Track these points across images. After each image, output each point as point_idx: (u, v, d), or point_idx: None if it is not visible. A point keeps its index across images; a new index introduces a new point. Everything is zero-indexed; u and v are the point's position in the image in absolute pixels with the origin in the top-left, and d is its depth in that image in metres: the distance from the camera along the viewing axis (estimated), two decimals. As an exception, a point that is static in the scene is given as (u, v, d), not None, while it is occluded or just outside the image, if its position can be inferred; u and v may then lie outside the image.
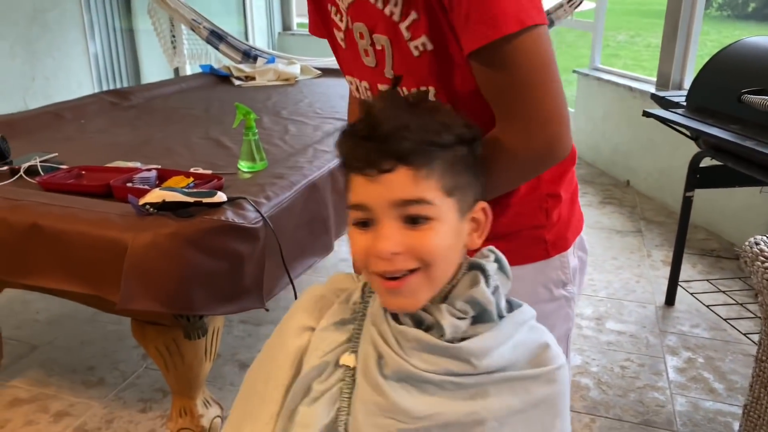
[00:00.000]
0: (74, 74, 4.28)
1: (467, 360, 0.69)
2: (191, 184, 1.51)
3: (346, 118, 1.47)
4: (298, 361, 0.78)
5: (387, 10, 0.85)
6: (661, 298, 2.67)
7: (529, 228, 0.96)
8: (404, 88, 0.88)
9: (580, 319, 2.52)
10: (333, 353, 0.76)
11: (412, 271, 0.70)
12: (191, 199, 1.31)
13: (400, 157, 0.67)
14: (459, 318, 0.71)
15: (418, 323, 0.72)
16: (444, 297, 0.73)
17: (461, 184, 0.72)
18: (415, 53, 0.85)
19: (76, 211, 1.37)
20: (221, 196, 1.38)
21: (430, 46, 0.84)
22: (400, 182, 0.67)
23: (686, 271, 2.80)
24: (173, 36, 4.56)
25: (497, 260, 0.76)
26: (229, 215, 1.34)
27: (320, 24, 1.01)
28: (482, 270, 0.73)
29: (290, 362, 0.78)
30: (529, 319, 0.76)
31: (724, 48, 2.43)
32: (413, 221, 0.69)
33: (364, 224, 0.70)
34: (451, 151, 0.71)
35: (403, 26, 0.84)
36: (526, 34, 0.76)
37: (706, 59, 2.46)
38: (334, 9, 0.94)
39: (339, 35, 0.96)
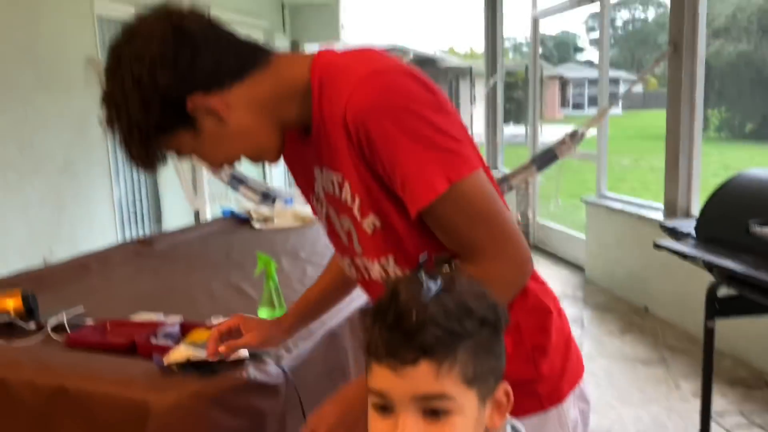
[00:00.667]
0: (99, 219, 4.45)
1: None
2: (214, 338, 1.53)
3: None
4: None
5: (342, 197, 0.98)
6: (695, 433, 2.56)
7: (521, 383, 0.92)
8: (368, 258, 1.02)
9: (611, 460, 2.41)
10: None
11: None
12: (215, 359, 1.33)
13: (424, 350, 0.67)
14: None
15: None
16: None
17: (483, 372, 0.71)
18: (369, 231, 0.98)
19: (102, 372, 1.39)
20: (243, 352, 1.39)
21: (378, 223, 0.96)
22: (422, 377, 0.67)
23: (716, 401, 2.70)
24: (194, 179, 4.79)
25: (513, 428, 0.77)
26: (251, 372, 1.35)
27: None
28: None
29: None
30: None
31: (728, 180, 2.51)
32: (433, 413, 0.69)
33: (383, 408, 0.71)
34: (475, 337, 0.70)
35: (354, 209, 0.97)
36: (458, 186, 0.88)
37: (711, 179, 2.53)
38: (315, 199, 1.10)
39: (321, 221, 1.12)
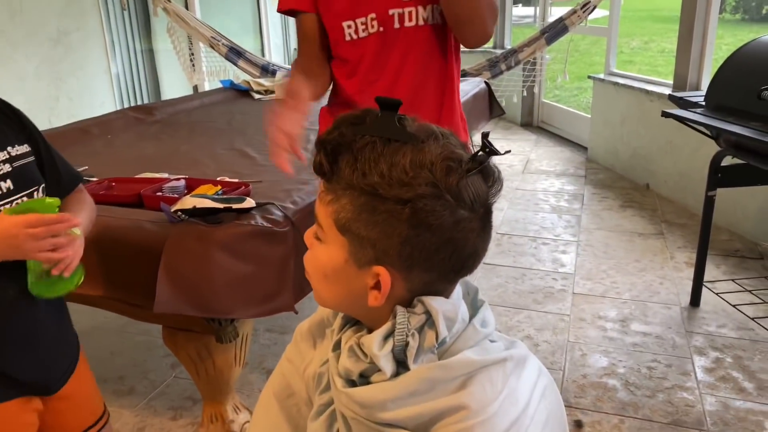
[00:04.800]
0: (97, 94, 4.37)
1: (361, 405, 0.68)
2: (220, 192, 1.54)
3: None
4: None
5: None
6: (686, 299, 2.65)
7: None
8: (420, 7, 1.26)
9: (604, 321, 2.51)
10: (326, 366, 0.77)
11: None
12: (221, 206, 1.34)
13: (322, 173, 0.67)
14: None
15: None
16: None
17: (360, 232, 0.65)
18: None
19: (110, 220, 1.41)
20: (250, 202, 1.41)
21: None
22: (322, 194, 0.68)
23: (710, 271, 2.78)
24: (192, 54, 4.65)
25: (426, 312, 0.67)
26: (259, 220, 1.37)
27: None
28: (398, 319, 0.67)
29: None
30: (448, 379, 0.66)
31: (742, 46, 2.43)
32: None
33: None
34: (364, 194, 0.64)
35: None
36: None
37: (722, 62, 2.46)
38: None
39: None
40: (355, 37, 1.31)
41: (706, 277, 2.62)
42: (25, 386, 1.07)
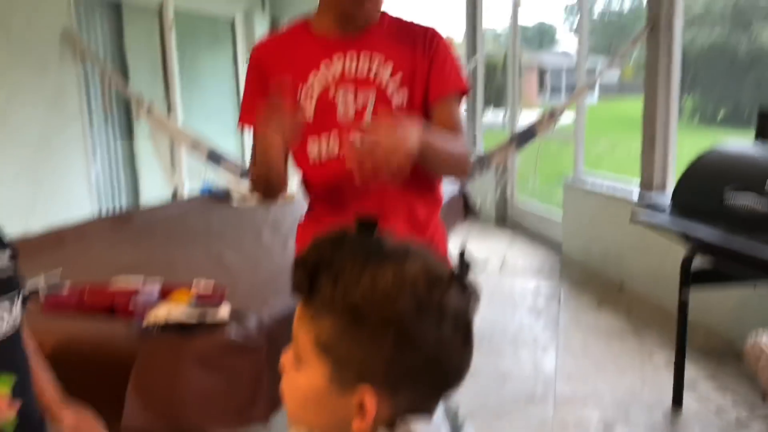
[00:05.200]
0: (75, 196, 4.38)
1: None
2: (195, 299, 1.52)
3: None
4: None
5: (376, 75, 1.30)
6: (668, 400, 2.62)
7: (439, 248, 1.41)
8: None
9: (588, 426, 2.46)
10: None
11: None
12: (194, 321, 1.33)
13: (305, 293, 0.66)
14: None
15: None
16: None
17: (341, 352, 0.64)
18: (396, 103, 1.32)
19: (81, 334, 1.38)
20: (225, 311, 1.39)
21: (406, 98, 1.32)
22: (300, 312, 0.68)
23: (690, 371, 2.76)
24: (173, 156, 4.74)
25: None
26: (233, 332, 1.35)
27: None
28: None
29: None
30: None
31: (703, 153, 2.56)
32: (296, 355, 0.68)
33: None
34: (341, 315, 0.63)
35: (390, 84, 1.31)
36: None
37: (685, 162, 2.58)
38: (304, 91, 1.32)
39: (306, 111, 1.31)
40: (324, 158, 1.32)
41: (687, 377, 2.61)
42: None
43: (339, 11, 1.31)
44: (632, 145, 4.40)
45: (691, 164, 2.55)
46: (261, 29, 6.56)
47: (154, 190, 5.01)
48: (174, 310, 1.34)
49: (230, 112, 6.52)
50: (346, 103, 1.31)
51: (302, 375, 0.67)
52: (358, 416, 0.65)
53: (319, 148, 1.33)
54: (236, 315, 1.44)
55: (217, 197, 3.47)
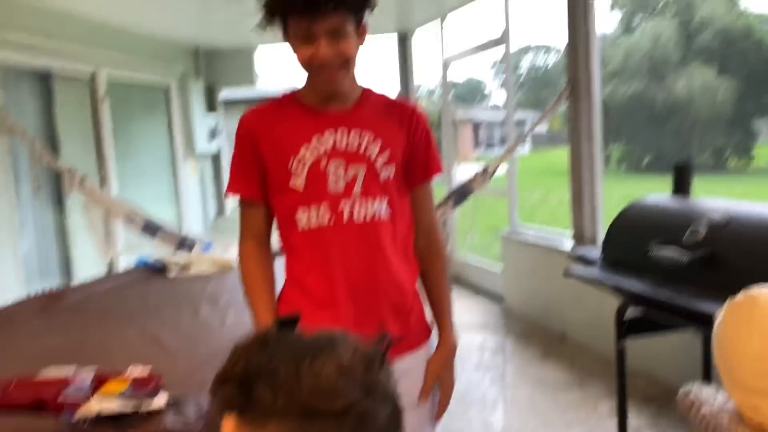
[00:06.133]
0: (2, 276, 4.18)
1: None
2: (129, 389, 1.47)
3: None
4: None
5: (366, 150, 1.39)
6: (614, 452, 2.65)
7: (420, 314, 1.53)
8: (365, 198, 1.39)
9: (538, 485, 2.46)
10: None
11: None
12: (129, 411, 1.28)
13: (239, 408, 0.65)
14: None
15: None
16: None
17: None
18: (383, 177, 1.41)
19: (5, 432, 1.31)
20: (161, 399, 1.35)
21: (392, 174, 1.41)
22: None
23: (633, 419, 2.82)
24: (106, 228, 4.61)
25: None
26: (170, 420, 1.31)
27: (253, 186, 1.43)
28: None
29: None
30: None
31: (626, 208, 2.68)
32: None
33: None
34: (311, 418, 0.64)
35: (379, 159, 1.40)
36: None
37: (615, 209, 2.70)
38: (297, 163, 1.38)
39: (296, 181, 1.38)
40: (314, 227, 1.39)
41: (630, 425, 2.66)
42: None
43: (317, 91, 1.40)
44: (564, 193, 4.58)
45: (616, 219, 2.67)
46: (196, 96, 6.59)
47: (87, 266, 4.84)
48: (107, 403, 1.29)
49: (166, 179, 6.44)
50: (336, 175, 1.38)
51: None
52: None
53: (308, 217, 1.39)
54: (174, 401, 1.40)
55: (154, 269, 3.39)
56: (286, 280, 1.46)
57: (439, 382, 1.51)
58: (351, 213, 1.38)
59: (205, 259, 3.33)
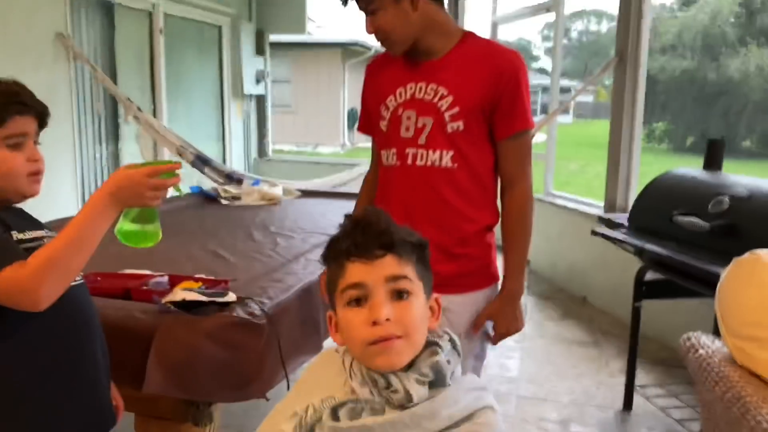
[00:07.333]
0: (62, 196, 4.47)
1: (419, 423, 0.90)
2: (202, 287, 1.70)
3: (327, 232, 1.96)
4: None
5: (437, 102, 1.52)
6: (620, 403, 2.86)
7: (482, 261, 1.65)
8: (429, 149, 1.54)
9: (546, 423, 2.68)
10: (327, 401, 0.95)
11: (398, 337, 0.92)
12: (207, 299, 1.51)
13: (388, 247, 0.95)
14: (421, 382, 0.92)
15: (387, 385, 0.92)
16: (409, 365, 0.94)
17: (425, 275, 1.00)
18: (449, 130, 1.52)
19: (102, 310, 1.55)
20: (232, 296, 1.58)
21: (462, 128, 1.52)
22: (389, 264, 0.94)
23: (641, 378, 3.01)
24: (157, 159, 4.87)
25: (451, 340, 1.00)
26: (239, 312, 1.54)
27: (368, 124, 1.70)
28: (438, 345, 0.97)
29: None
30: (477, 387, 0.98)
31: (656, 177, 2.82)
32: (399, 295, 0.94)
33: (357, 301, 0.94)
34: (416, 249, 0.98)
35: (447, 113, 1.52)
36: (531, 131, 1.59)
37: (641, 189, 2.83)
38: (384, 108, 1.59)
39: (383, 124, 1.60)
40: (388, 165, 1.62)
41: (637, 383, 2.85)
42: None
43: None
44: (602, 167, 4.67)
45: (646, 187, 2.81)
46: (247, 38, 6.75)
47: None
48: (189, 293, 1.52)
49: (213, 118, 6.67)
50: (408, 124, 1.55)
51: (417, 304, 0.96)
52: (432, 316, 1.00)
53: (387, 156, 1.61)
54: (240, 301, 1.62)
55: (207, 196, 3.63)
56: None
57: (494, 324, 1.63)
58: (414, 159, 1.55)
59: (254, 192, 3.55)
